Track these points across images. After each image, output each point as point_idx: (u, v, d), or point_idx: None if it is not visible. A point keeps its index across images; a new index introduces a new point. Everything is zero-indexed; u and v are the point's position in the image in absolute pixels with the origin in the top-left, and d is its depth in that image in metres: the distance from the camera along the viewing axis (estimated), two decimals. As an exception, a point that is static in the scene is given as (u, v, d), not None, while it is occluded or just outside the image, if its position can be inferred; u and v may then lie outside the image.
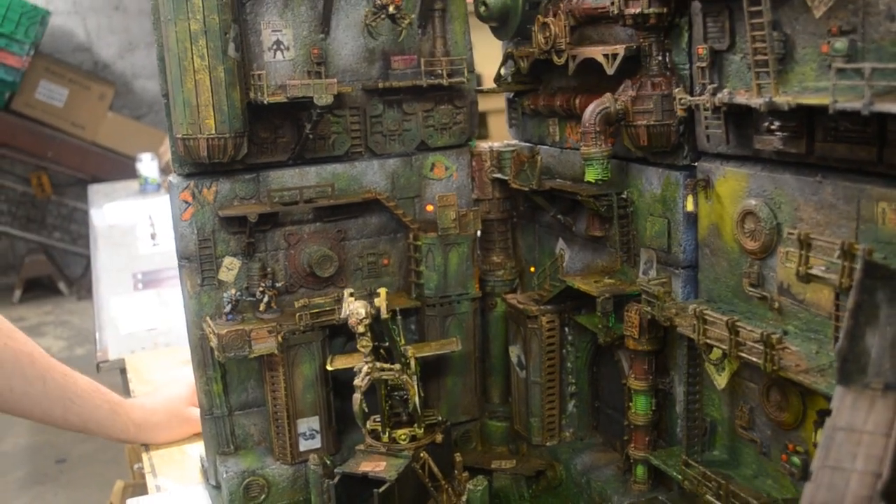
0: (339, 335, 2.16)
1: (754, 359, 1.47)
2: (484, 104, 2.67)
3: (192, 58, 1.86)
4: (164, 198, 5.36)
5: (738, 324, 1.50)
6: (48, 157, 8.92)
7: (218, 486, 2.16)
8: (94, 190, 7.45)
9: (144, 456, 2.56)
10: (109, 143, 8.95)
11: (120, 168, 8.49)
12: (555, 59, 1.96)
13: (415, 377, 1.96)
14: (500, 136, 2.57)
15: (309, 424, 2.12)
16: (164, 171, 6.87)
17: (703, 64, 1.62)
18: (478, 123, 2.32)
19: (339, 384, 2.14)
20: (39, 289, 9.20)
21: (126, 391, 3.28)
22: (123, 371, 3.47)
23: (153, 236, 5.15)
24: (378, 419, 1.99)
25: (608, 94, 1.78)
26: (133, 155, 7.50)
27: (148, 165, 7.02)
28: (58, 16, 9.09)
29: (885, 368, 1.11)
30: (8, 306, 8.77)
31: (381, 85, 2.12)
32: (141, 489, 2.62)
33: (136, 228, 5.43)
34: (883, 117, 1.17)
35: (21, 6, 7.95)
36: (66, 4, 9.29)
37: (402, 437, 1.96)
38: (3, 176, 9.20)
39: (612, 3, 1.71)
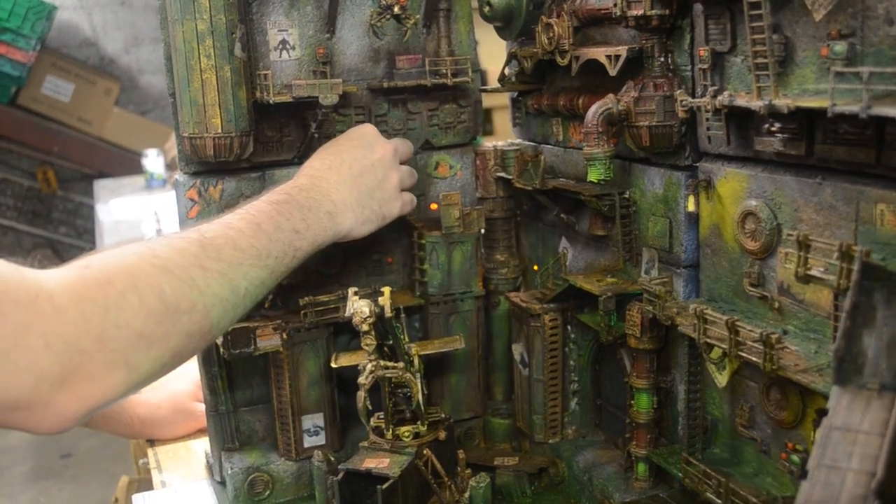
0: (344, 333, 2.18)
1: (754, 358, 1.48)
2: (489, 101, 2.67)
3: (199, 57, 1.88)
4: (169, 194, 5.40)
5: (738, 323, 1.52)
6: (54, 152, 8.95)
7: (223, 482, 2.18)
8: (100, 185, 7.48)
9: (150, 451, 2.58)
10: (115, 139, 8.98)
11: (126, 163, 8.53)
12: (558, 59, 1.97)
13: (418, 375, 1.98)
14: (505, 133, 2.59)
15: (313, 421, 2.14)
16: (170, 166, 6.90)
17: (705, 66, 1.63)
18: (482, 122, 2.34)
19: (344, 381, 2.16)
20: (45, 284, 9.22)
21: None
22: (129, 366, 3.47)
23: (159, 232, 5.17)
24: (382, 416, 2.00)
25: (611, 95, 1.79)
26: (139, 150, 7.53)
27: (154, 161, 7.05)
28: (64, 11, 9.10)
29: (881, 369, 1.12)
30: (14, 301, 8.78)
31: (385, 84, 2.13)
32: (146, 484, 2.64)
33: (142, 224, 5.45)
34: (881, 120, 1.18)
35: (28, 1, 7.97)
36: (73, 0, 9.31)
37: (406, 434, 1.97)
38: (9, 171, 9.22)
39: (615, 5, 1.73)
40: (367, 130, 2.07)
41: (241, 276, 1.65)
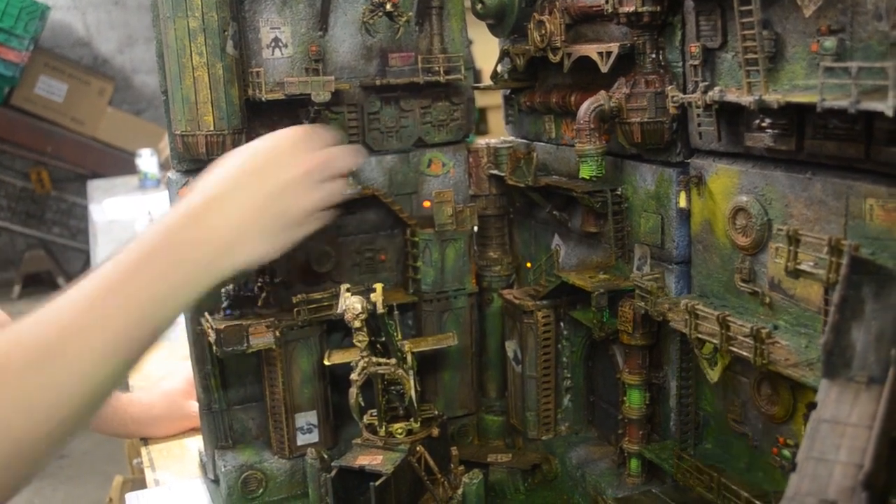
0: (337, 330, 2.18)
1: (745, 353, 1.49)
2: (483, 100, 2.66)
3: (191, 55, 1.88)
4: (163, 193, 5.40)
5: (729, 318, 1.52)
6: (48, 153, 8.94)
7: (216, 480, 2.18)
8: (94, 185, 7.47)
9: (143, 450, 2.58)
10: (109, 139, 8.97)
11: (119, 163, 8.53)
12: (550, 56, 1.98)
13: (411, 372, 1.98)
14: (500, 133, 2.59)
15: (306, 419, 2.14)
16: (164, 166, 6.89)
17: (696, 62, 1.64)
18: (475, 120, 2.34)
19: (337, 379, 2.15)
20: (39, 284, 9.21)
21: (125, 385, 3.29)
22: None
23: (152, 232, 5.15)
24: (375, 413, 2.00)
25: (602, 92, 1.79)
26: (132, 150, 7.52)
27: (147, 161, 7.04)
28: (57, 11, 9.09)
29: (869, 362, 1.13)
30: (7, 302, 8.77)
31: (378, 82, 2.14)
32: (140, 484, 2.64)
33: (136, 224, 5.44)
34: (870, 115, 1.19)
35: (21, 1, 7.96)
36: (66, -1, 9.30)
37: (399, 431, 1.97)
38: (2, 171, 9.21)
39: (607, 2, 1.73)
40: (291, 137, 1.76)
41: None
